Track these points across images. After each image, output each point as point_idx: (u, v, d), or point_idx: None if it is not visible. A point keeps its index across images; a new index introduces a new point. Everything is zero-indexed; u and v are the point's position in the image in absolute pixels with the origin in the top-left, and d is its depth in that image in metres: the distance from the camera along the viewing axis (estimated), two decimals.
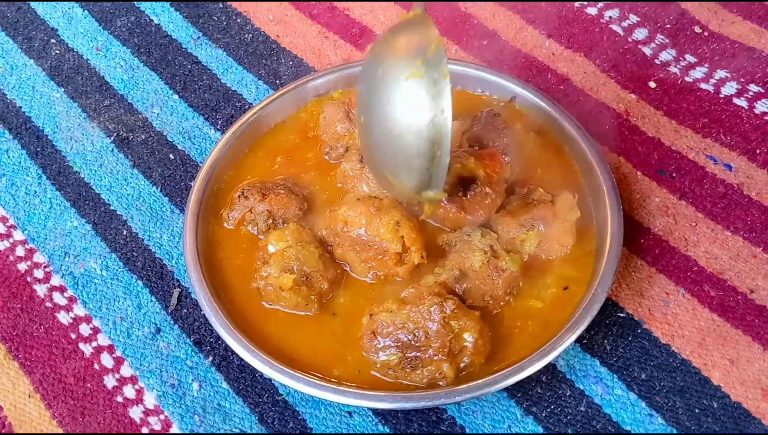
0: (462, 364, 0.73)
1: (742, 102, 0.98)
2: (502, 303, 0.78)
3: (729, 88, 0.99)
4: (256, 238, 0.84)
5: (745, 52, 1.03)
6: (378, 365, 0.74)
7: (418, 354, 0.72)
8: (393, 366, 0.73)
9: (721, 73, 1.01)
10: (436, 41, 0.68)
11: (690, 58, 1.03)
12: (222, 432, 0.75)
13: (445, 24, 1.10)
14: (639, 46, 1.05)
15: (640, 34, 1.07)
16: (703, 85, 1.00)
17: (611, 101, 0.99)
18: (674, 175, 0.91)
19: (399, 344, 0.72)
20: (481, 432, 0.74)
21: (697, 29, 1.07)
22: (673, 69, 1.02)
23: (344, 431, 0.75)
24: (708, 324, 0.80)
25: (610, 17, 1.09)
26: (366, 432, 0.74)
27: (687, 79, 1.01)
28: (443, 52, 0.68)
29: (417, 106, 0.67)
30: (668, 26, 1.07)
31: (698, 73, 1.02)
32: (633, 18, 1.08)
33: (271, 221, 0.84)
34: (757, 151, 0.93)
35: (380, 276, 0.80)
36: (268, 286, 0.78)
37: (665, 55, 1.04)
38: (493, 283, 0.78)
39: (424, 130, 0.68)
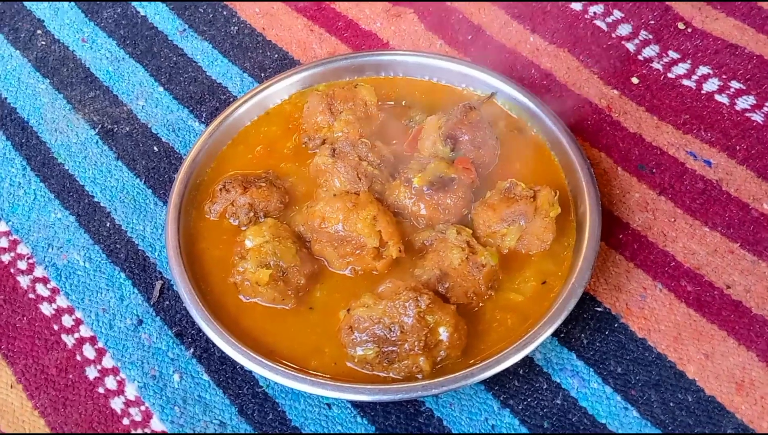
0: (438, 358, 0.74)
1: (723, 98, 0.98)
2: (485, 297, 0.79)
3: (711, 85, 1.00)
4: (238, 229, 0.85)
5: (727, 49, 1.04)
6: (356, 359, 0.74)
7: (394, 348, 0.73)
8: (370, 360, 0.74)
9: (703, 70, 1.02)
10: None
11: (673, 55, 1.04)
12: (202, 422, 0.76)
13: (431, 18, 1.10)
14: (622, 42, 1.06)
15: (624, 30, 1.07)
16: (686, 82, 1.01)
17: (594, 97, 1.00)
18: (654, 170, 0.92)
19: (375, 339, 0.73)
20: (458, 425, 0.75)
21: (681, 25, 1.07)
22: (656, 65, 1.03)
23: (323, 422, 0.75)
24: (684, 319, 0.81)
25: (595, 13, 1.09)
26: (344, 423, 0.75)
27: (669, 75, 1.02)
28: None
29: None
30: (652, 22, 1.08)
31: (681, 69, 1.02)
32: (617, 14, 1.09)
33: (252, 214, 0.84)
34: (737, 147, 0.93)
35: (358, 271, 0.81)
36: (245, 281, 0.79)
37: (648, 51, 1.05)
38: (474, 278, 0.78)
39: None
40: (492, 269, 0.79)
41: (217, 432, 0.75)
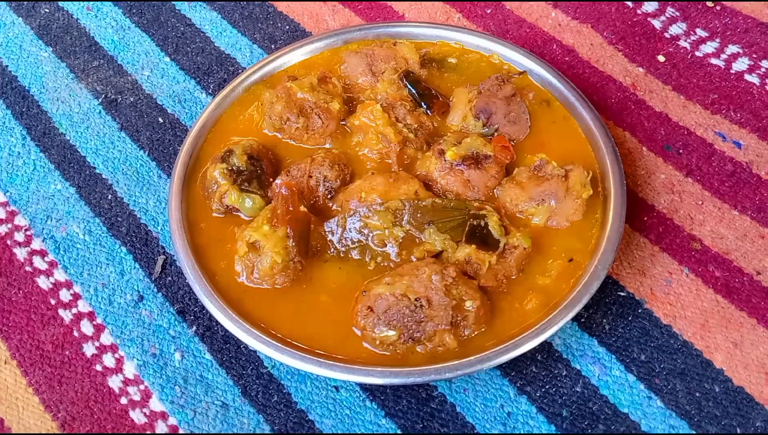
0: (463, 336, 0.70)
1: (753, 78, 0.94)
2: (513, 277, 0.75)
3: (740, 64, 0.96)
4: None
5: (758, 27, 0.99)
6: (377, 342, 0.70)
7: (419, 326, 0.69)
8: (393, 341, 0.70)
9: (732, 49, 0.98)
10: None
11: (701, 33, 1.00)
12: (203, 403, 0.72)
13: None
14: (648, 19, 1.02)
15: (650, 6, 1.03)
16: (714, 61, 0.97)
17: (618, 74, 0.96)
18: (681, 151, 0.88)
19: (399, 317, 0.69)
20: (472, 411, 0.71)
21: (710, 3, 1.03)
22: (683, 43, 0.99)
23: (330, 405, 0.72)
24: (711, 305, 0.77)
25: None
26: (352, 407, 0.72)
27: (697, 53, 0.97)
28: None
29: None
30: None
31: (709, 47, 0.98)
32: None
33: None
34: None
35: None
36: (255, 274, 0.75)
37: (675, 29, 1.00)
38: (505, 260, 0.74)
39: None
40: (524, 252, 0.75)
41: (219, 413, 0.72)
